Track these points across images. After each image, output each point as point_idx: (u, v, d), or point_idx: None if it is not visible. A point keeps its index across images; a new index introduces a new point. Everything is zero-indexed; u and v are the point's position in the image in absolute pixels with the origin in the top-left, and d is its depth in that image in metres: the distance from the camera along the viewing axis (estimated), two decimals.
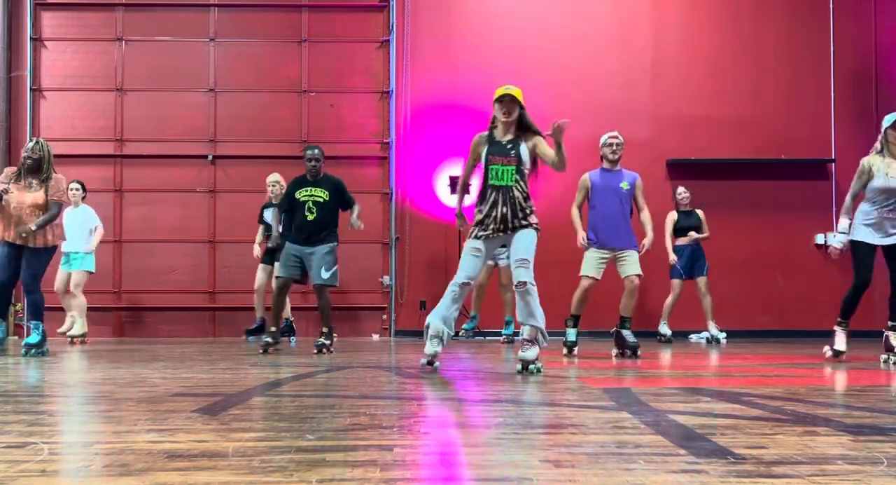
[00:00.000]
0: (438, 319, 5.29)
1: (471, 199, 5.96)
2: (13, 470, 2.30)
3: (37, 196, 7.04)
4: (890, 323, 6.28)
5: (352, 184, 11.13)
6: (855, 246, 6.24)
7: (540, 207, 5.03)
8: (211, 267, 10.91)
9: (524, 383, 4.67)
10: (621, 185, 6.93)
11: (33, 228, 6.92)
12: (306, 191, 7.38)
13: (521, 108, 5.31)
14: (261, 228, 9.35)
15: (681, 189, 9.71)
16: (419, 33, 11.07)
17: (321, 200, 7.35)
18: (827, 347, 6.50)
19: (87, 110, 11.03)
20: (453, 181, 9.95)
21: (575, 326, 7.05)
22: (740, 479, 2.19)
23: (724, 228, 10.77)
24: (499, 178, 5.25)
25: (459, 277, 5.27)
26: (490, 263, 9.14)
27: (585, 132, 9.33)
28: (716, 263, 10.02)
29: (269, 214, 8.96)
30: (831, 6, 11.20)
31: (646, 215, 7.02)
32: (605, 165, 7.03)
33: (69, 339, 8.99)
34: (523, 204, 5.25)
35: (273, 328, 7.45)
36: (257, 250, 9.29)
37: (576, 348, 7.04)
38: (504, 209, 5.22)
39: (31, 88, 10.96)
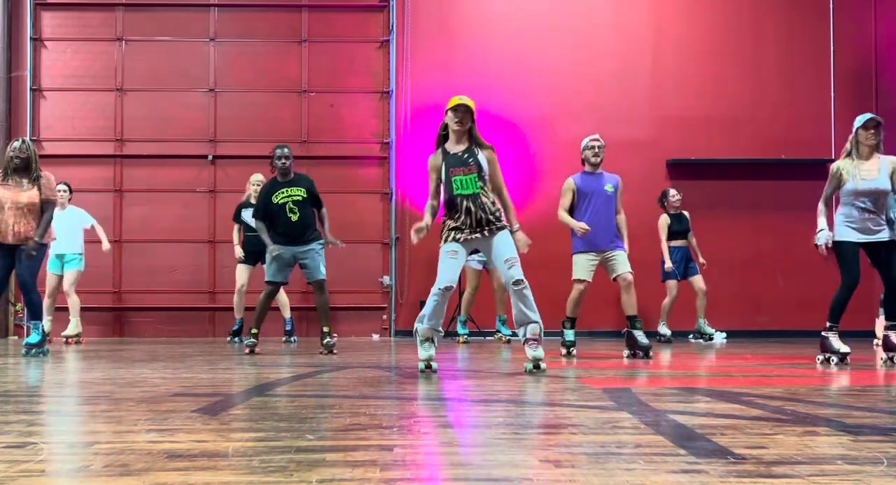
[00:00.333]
0: (426, 323, 5.30)
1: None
2: (13, 470, 2.30)
3: (31, 195, 7.05)
4: (888, 323, 6.26)
5: (352, 184, 11.26)
6: (839, 246, 6.21)
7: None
8: (211, 267, 10.91)
9: (524, 383, 4.67)
10: (605, 187, 6.94)
11: (37, 239, 6.94)
12: (283, 192, 7.28)
13: (473, 121, 5.36)
14: (236, 228, 9.31)
15: (674, 191, 9.68)
16: (419, 33, 11.07)
17: (300, 198, 7.28)
18: (830, 356, 6.18)
19: (87, 110, 11.02)
20: None
21: (572, 327, 7.13)
22: (740, 479, 2.19)
23: (724, 228, 10.78)
24: (464, 187, 5.33)
25: (441, 282, 5.27)
26: (478, 267, 9.15)
27: (585, 132, 9.26)
28: (716, 263, 10.03)
29: (247, 214, 8.89)
30: (831, 6, 11.19)
31: (622, 218, 7.05)
32: (588, 168, 7.01)
33: (64, 339, 8.99)
34: (492, 208, 5.36)
35: (255, 330, 7.35)
36: (239, 251, 9.23)
37: (574, 348, 7.09)
38: (479, 213, 5.31)
39: (31, 88, 10.96)
